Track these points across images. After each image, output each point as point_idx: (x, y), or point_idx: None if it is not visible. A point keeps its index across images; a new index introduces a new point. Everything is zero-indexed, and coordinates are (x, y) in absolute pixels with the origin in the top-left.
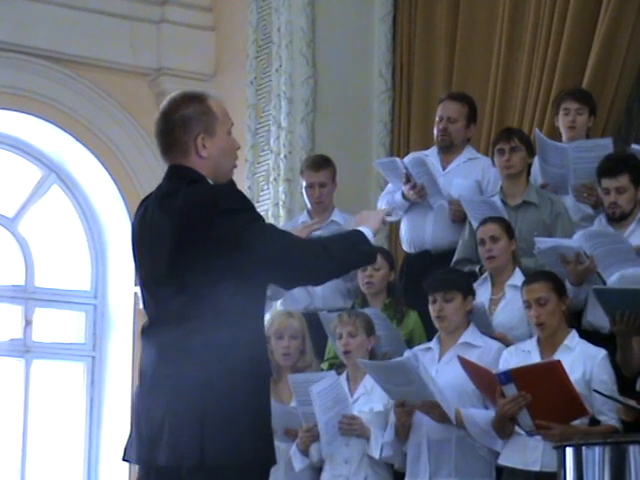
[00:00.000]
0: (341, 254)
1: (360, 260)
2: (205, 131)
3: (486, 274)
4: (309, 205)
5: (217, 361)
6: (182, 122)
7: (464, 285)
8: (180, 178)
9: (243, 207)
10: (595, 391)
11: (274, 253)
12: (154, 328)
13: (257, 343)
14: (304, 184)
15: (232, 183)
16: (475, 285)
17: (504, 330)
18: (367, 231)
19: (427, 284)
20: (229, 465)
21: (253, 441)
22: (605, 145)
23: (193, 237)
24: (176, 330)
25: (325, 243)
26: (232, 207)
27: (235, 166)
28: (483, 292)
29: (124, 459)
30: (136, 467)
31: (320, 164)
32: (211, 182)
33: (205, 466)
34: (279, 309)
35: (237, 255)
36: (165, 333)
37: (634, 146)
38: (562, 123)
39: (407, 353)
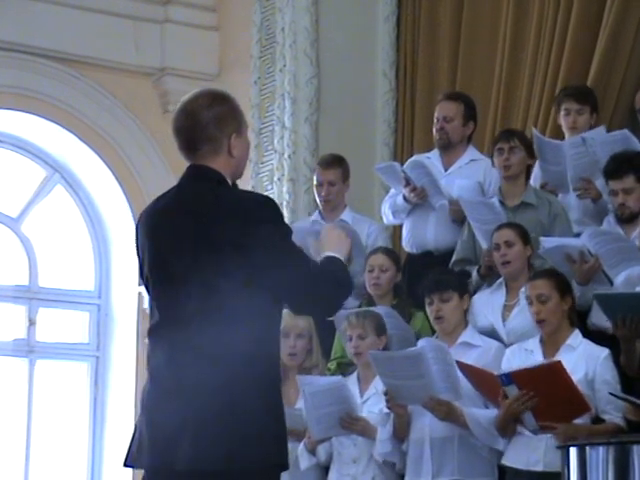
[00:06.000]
0: (337, 288)
1: (347, 293)
2: (237, 130)
3: (501, 280)
4: (319, 203)
5: (236, 363)
6: (217, 119)
7: (459, 284)
8: (205, 180)
9: (277, 220)
10: (611, 394)
11: (302, 280)
12: (167, 328)
13: (274, 346)
14: (314, 182)
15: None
16: (490, 290)
17: (516, 336)
18: (341, 257)
19: (423, 287)
20: (255, 468)
21: (276, 444)
22: (599, 133)
23: (221, 241)
24: (194, 331)
25: (336, 277)
26: (267, 219)
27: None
28: (498, 298)
29: (128, 465)
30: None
31: (330, 162)
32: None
33: (232, 469)
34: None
35: (263, 268)
36: (181, 333)
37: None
38: (564, 123)
39: (421, 343)
